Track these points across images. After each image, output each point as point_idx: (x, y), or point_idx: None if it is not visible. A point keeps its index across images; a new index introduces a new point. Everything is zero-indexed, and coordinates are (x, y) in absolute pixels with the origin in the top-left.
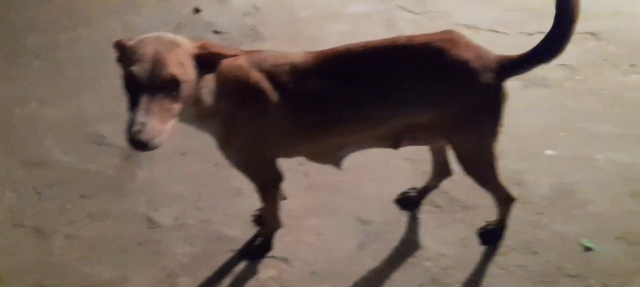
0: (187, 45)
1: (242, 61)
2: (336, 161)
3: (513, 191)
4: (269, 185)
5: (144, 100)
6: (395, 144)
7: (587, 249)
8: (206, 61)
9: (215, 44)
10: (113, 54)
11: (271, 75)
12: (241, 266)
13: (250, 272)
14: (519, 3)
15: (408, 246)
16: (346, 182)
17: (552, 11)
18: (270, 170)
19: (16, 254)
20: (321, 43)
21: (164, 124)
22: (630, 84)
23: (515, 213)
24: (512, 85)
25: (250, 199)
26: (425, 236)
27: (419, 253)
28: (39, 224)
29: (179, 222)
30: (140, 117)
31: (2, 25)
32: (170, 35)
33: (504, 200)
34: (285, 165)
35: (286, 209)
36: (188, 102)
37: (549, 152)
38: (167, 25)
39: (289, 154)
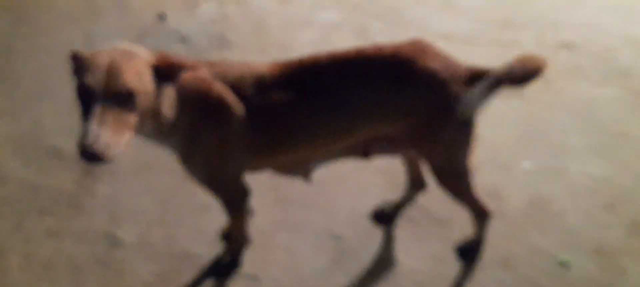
0: (145, 56)
1: (204, 72)
2: (305, 174)
3: (489, 204)
4: (236, 201)
5: (97, 111)
6: (365, 154)
7: (563, 263)
8: (165, 72)
9: (175, 55)
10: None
11: (235, 87)
12: (209, 284)
13: None
14: (493, 14)
15: (382, 262)
16: (317, 196)
17: (524, 23)
18: (236, 185)
19: None
20: (291, 51)
21: (118, 137)
22: (603, 96)
23: (491, 226)
24: None
25: (218, 215)
26: (400, 252)
27: (393, 269)
28: None
29: (143, 239)
30: (93, 128)
31: None
32: (127, 46)
33: (480, 214)
34: (253, 179)
35: (255, 225)
36: (145, 115)
37: (525, 164)
38: (129, 33)
39: (255, 168)
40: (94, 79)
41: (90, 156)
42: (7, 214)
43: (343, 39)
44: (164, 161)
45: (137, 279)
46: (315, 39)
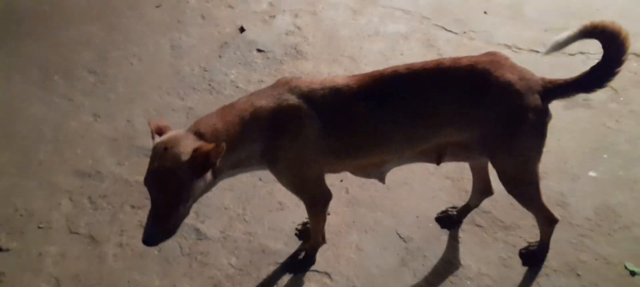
0: (189, 150)
1: (279, 91)
2: (380, 176)
3: (555, 212)
4: (318, 202)
5: (152, 206)
6: (438, 160)
7: (633, 273)
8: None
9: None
10: (161, 71)
11: (310, 98)
12: (285, 278)
13: (294, 285)
14: (559, 23)
15: (449, 265)
16: (386, 199)
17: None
18: (319, 188)
19: (71, 260)
20: (361, 61)
21: (167, 225)
22: None
23: (558, 234)
24: (554, 106)
25: (293, 214)
26: (466, 255)
27: (459, 272)
28: (92, 232)
29: (225, 234)
30: (149, 224)
31: (59, 40)
32: (180, 141)
33: (547, 221)
34: (327, 181)
35: (327, 225)
36: (198, 193)
37: (592, 173)
38: (211, 44)
39: (334, 170)
40: (148, 182)
41: (147, 243)
42: (104, 207)
43: (411, 49)
44: None
45: (219, 270)
46: (384, 49)
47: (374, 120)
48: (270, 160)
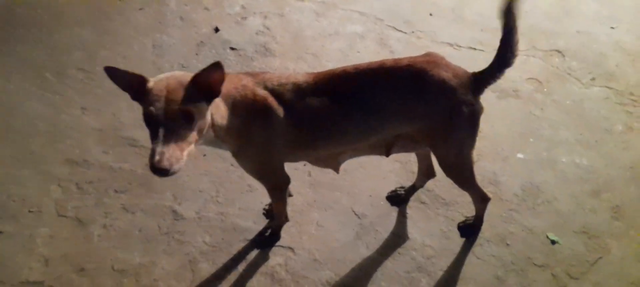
0: (195, 77)
1: (248, 82)
2: (335, 166)
3: (488, 190)
4: (279, 187)
5: (161, 133)
6: (387, 152)
7: (553, 242)
8: (210, 88)
9: (225, 71)
10: (145, 68)
11: (276, 93)
12: (253, 253)
13: (262, 259)
14: (494, 24)
15: (397, 238)
16: (344, 180)
17: (522, 32)
18: (280, 175)
19: (60, 241)
20: (323, 58)
21: (181, 152)
22: (590, 95)
23: (490, 209)
24: (488, 97)
25: (261, 195)
26: (412, 229)
27: (406, 244)
28: (80, 215)
29: (200, 214)
30: (159, 148)
31: (52, 43)
32: (180, 74)
33: (480, 199)
34: (291, 166)
35: (291, 204)
36: (202, 129)
37: (520, 155)
38: (190, 43)
39: (294, 160)
40: (156, 108)
41: (159, 171)
42: (91, 192)
43: (366, 47)
44: (218, 151)
45: (195, 247)
46: (343, 47)
47: (329, 115)
48: (238, 147)
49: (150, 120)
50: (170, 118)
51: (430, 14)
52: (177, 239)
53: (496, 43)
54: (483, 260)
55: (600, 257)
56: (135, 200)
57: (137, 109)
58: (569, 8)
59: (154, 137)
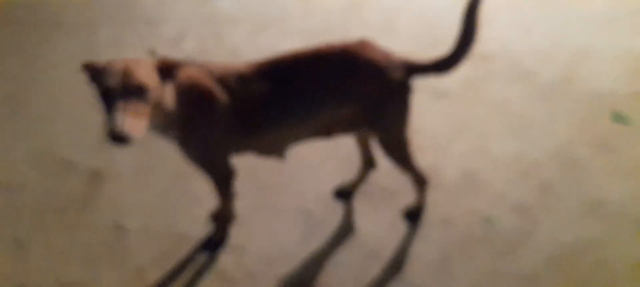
0: (150, 60)
1: (195, 70)
2: (280, 154)
3: (428, 175)
4: (225, 180)
5: (119, 105)
6: (328, 135)
7: (490, 220)
8: (166, 72)
9: (173, 58)
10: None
11: (220, 81)
12: (203, 258)
13: (212, 261)
14: (424, 36)
15: (346, 230)
16: (290, 181)
17: (446, 39)
18: (225, 166)
19: None
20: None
21: (138, 122)
22: (514, 92)
23: (432, 196)
24: (422, 98)
25: (207, 203)
26: (360, 221)
27: (356, 234)
28: (17, 235)
29: (146, 226)
30: (119, 116)
31: None
32: (138, 59)
33: (420, 181)
34: (237, 168)
35: (239, 208)
36: (156, 106)
37: (455, 147)
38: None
39: (239, 150)
40: (114, 80)
41: (119, 138)
42: (26, 213)
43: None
44: (159, 164)
45: (143, 257)
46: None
47: (271, 100)
48: (183, 135)
49: (107, 94)
50: (127, 90)
51: (361, 28)
52: (124, 251)
53: (426, 53)
54: (429, 240)
55: (533, 228)
56: (77, 218)
57: (71, 131)
58: (488, 19)
59: (110, 110)
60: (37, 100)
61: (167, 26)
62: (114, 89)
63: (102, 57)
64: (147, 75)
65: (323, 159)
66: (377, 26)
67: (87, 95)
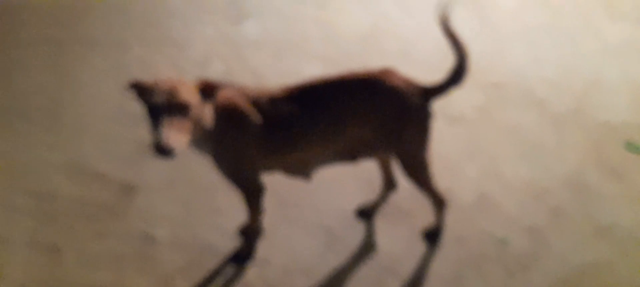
0: (192, 81)
1: (232, 92)
2: (306, 174)
3: (446, 196)
4: (255, 195)
5: (165, 120)
6: (353, 159)
7: (502, 240)
8: (207, 92)
9: (213, 80)
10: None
11: (254, 102)
12: (229, 270)
13: (238, 273)
14: (442, 64)
15: (365, 247)
16: (311, 198)
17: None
18: (255, 181)
19: (34, 268)
20: None
21: (181, 137)
22: (526, 119)
23: (447, 216)
24: (438, 123)
25: (233, 216)
26: (379, 238)
27: (374, 251)
28: (53, 242)
29: (174, 236)
30: (164, 130)
31: (18, 89)
32: (177, 77)
33: (439, 203)
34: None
35: (264, 222)
36: (197, 123)
37: (470, 170)
38: None
39: (268, 168)
40: (160, 98)
41: (163, 151)
42: (60, 220)
43: None
44: (186, 178)
45: (171, 265)
46: None
47: (298, 121)
48: (217, 151)
49: (154, 111)
50: (172, 107)
51: (381, 57)
52: (152, 260)
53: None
54: (444, 259)
55: (544, 250)
56: (107, 227)
57: (102, 145)
58: (501, 48)
59: (156, 125)
60: (71, 115)
61: (194, 49)
62: (160, 105)
63: (132, 76)
64: (190, 94)
65: (345, 179)
66: (394, 53)
67: (118, 111)
